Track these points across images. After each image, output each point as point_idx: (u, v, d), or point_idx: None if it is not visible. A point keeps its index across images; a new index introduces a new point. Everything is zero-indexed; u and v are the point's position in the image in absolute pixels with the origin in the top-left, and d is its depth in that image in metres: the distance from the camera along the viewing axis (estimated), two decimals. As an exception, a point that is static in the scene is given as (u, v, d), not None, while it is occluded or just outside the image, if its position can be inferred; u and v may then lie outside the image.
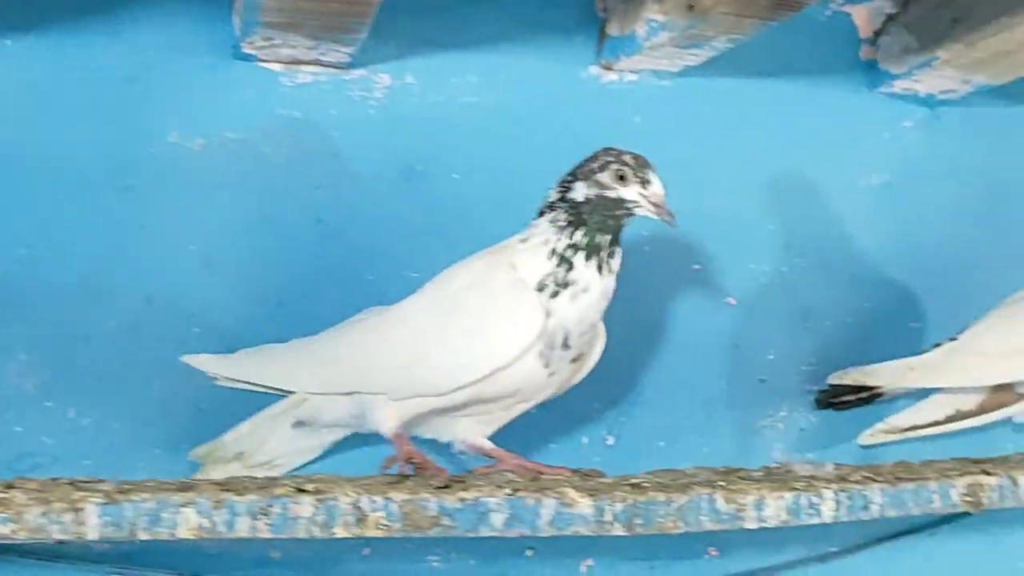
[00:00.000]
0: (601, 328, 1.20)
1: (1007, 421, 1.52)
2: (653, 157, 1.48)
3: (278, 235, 1.32)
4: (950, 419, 1.49)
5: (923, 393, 1.50)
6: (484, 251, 1.19)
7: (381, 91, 1.38)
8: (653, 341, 1.50)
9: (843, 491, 1.11)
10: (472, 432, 1.20)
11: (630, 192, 1.12)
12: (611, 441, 1.45)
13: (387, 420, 1.14)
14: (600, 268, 1.11)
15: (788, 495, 1.08)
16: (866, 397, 1.49)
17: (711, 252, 1.53)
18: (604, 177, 1.12)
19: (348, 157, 1.35)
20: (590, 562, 1.41)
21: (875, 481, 1.14)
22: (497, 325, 1.10)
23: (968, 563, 1.62)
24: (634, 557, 1.42)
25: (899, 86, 1.64)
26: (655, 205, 1.13)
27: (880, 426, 1.52)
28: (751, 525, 1.06)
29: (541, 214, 1.16)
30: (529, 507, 0.96)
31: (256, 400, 1.25)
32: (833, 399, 1.51)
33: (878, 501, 1.12)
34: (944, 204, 1.68)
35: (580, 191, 1.12)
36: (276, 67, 1.32)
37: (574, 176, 1.14)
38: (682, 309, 1.52)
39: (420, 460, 1.11)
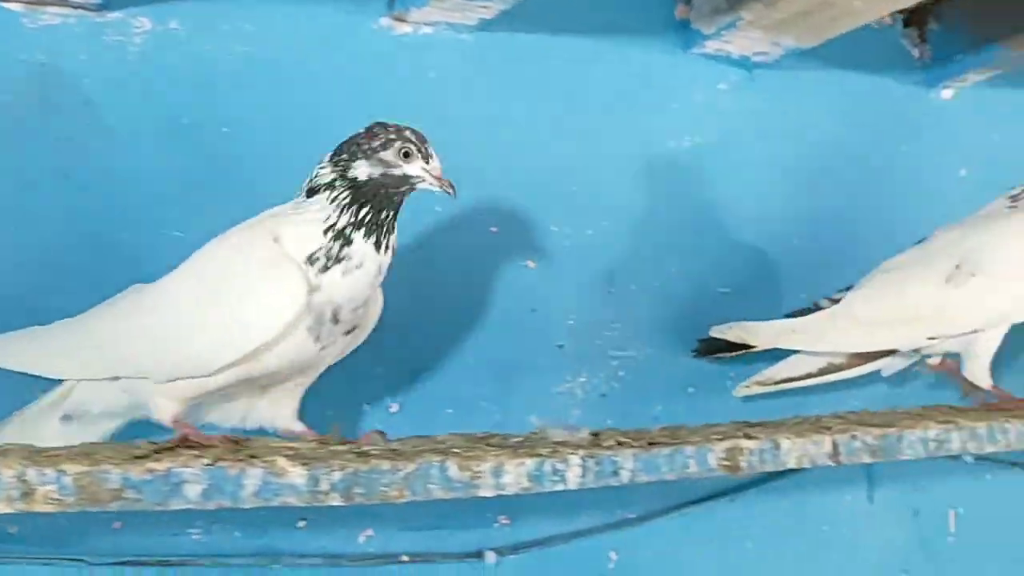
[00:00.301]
0: (378, 295, 1.17)
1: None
2: (449, 114, 1.44)
3: (18, 193, 1.22)
4: (823, 372, 1.53)
5: None
6: (249, 221, 1.13)
7: (141, 36, 1.28)
8: (445, 304, 1.45)
9: (591, 457, 1.08)
10: (279, 416, 1.16)
11: (414, 168, 1.11)
12: (394, 408, 1.40)
13: (163, 408, 1.08)
14: (378, 245, 1.09)
15: (529, 461, 1.04)
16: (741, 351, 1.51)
17: (509, 214, 1.49)
18: (388, 155, 1.10)
19: (102, 107, 1.26)
20: (370, 532, 1.36)
21: (629, 446, 1.11)
22: (257, 301, 1.05)
23: (770, 527, 1.62)
24: (418, 527, 1.38)
25: (711, 47, 1.61)
26: (437, 179, 1.12)
27: (756, 378, 1.55)
28: (488, 493, 1.03)
29: (313, 191, 1.11)
30: (231, 477, 0.91)
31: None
32: (710, 350, 1.53)
33: (629, 467, 1.10)
34: (757, 168, 1.67)
35: (363, 170, 1.09)
36: (15, 7, 1.22)
37: (351, 155, 1.10)
38: (477, 272, 1.47)
39: (199, 440, 1.05)
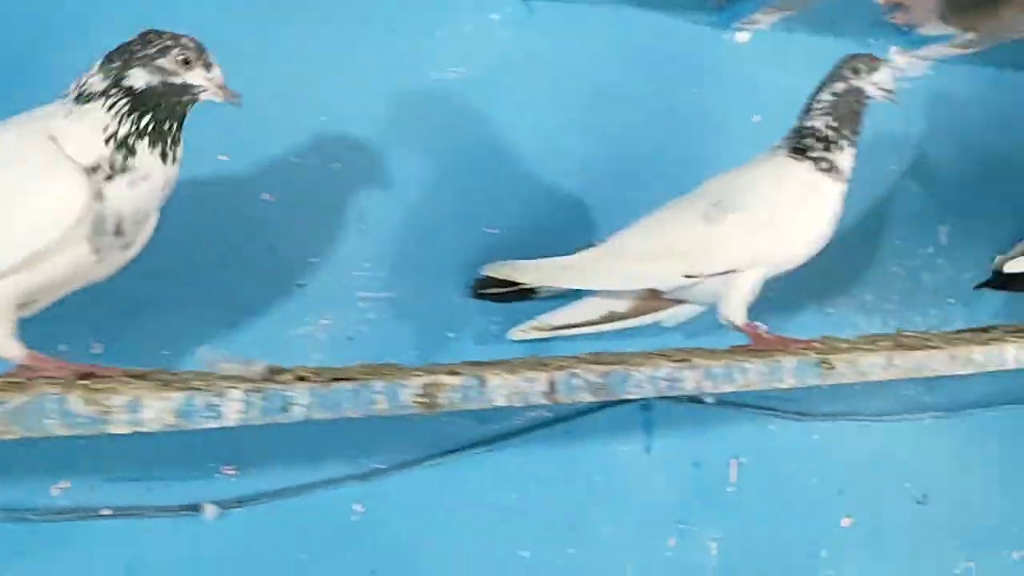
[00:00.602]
0: (153, 216, 1.11)
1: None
2: (213, 35, 1.30)
3: None
4: (605, 320, 1.48)
5: (580, 293, 1.47)
6: (15, 120, 1.05)
7: None
8: (166, 237, 1.30)
9: (256, 391, 0.99)
10: None
11: (195, 76, 1.08)
12: (97, 349, 1.27)
13: None
14: (164, 156, 1.06)
15: (176, 396, 0.94)
16: (518, 292, 1.45)
17: (243, 142, 1.37)
18: (166, 63, 1.06)
19: None
20: (65, 484, 1.25)
21: (304, 381, 1.02)
22: (34, 203, 1.00)
23: (538, 477, 1.55)
24: (123, 478, 1.27)
25: (482, -26, 1.52)
26: (220, 88, 1.10)
27: (531, 323, 1.48)
28: (122, 430, 0.92)
29: (87, 99, 1.04)
30: None
31: None
32: (484, 290, 1.46)
33: (303, 403, 1.01)
34: (533, 106, 1.58)
35: (140, 78, 1.05)
36: None
37: (125, 63, 1.05)
38: (206, 204, 1.34)
39: None
